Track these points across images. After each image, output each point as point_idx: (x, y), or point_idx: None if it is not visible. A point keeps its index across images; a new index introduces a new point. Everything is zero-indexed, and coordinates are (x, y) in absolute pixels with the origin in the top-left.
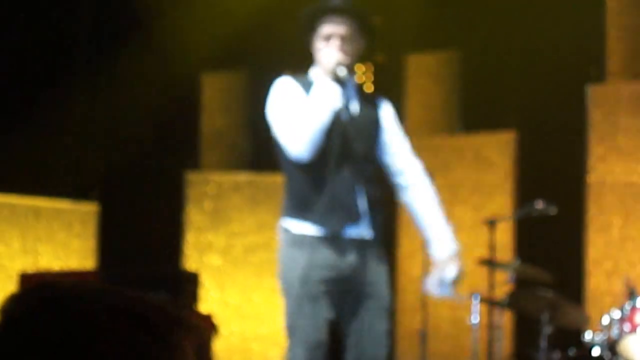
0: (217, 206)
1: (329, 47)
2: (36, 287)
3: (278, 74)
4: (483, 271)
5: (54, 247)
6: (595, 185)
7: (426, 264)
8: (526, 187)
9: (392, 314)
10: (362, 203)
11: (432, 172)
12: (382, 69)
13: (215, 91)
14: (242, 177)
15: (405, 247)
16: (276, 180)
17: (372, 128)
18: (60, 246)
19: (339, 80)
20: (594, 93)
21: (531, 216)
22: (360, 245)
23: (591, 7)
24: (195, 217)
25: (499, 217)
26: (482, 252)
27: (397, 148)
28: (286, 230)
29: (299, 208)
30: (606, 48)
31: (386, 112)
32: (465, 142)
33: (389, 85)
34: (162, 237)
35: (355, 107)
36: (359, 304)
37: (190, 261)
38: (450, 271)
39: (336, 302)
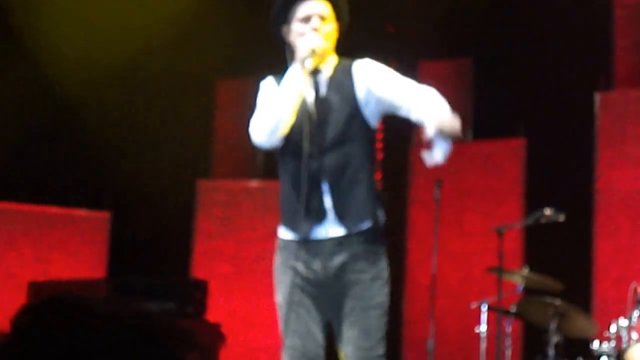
0: (228, 213)
1: (310, 29)
2: (46, 300)
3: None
4: (492, 279)
5: (65, 256)
6: (603, 191)
7: (435, 273)
8: (535, 194)
9: (384, 311)
10: (327, 199)
11: (443, 178)
12: None
13: (229, 98)
14: (253, 184)
15: (414, 255)
16: (278, 187)
17: (343, 109)
18: (71, 254)
19: (307, 69)
20: (602, 100)
21: (540, 223)
22: (331, 244)
23: (600, 16)
24: (205, 225)
25: (507, 225)
26: (491, 259)
27: (397, 100)
28: (277, 236)
29: (282, 212)
30: (614, 56)
31: (361, 75)
32: (475, 148)
33: None
34: (172, 245)
35: (324, 93)
36: (341, 305)
37: (200, 269)
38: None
39: (322, 306)
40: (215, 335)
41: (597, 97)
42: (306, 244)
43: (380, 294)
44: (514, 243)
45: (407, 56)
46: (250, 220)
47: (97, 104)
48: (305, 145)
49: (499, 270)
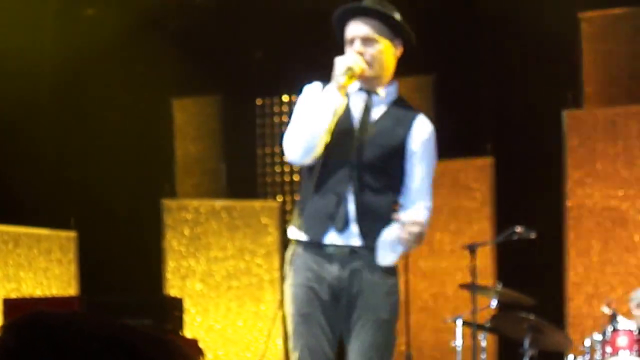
0: (196, 232)
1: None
2: (29, 316)
3: (252, 98)
4: (465, 295)
5: (35, 274)
6: (574, 209)
7: (407, 291)
8: (505, 213)
9: (395, 328)
10: (352, 210)
11: None
12: None
13: (187, 117)
14: (219, 203)
15: None
16: (253, 206)
17: (389, 140)
18: (41, 272)
19: (343, 87)
20: (570, 118)
21: (511, 241)
22: (346, 253)
23: (566, 33)
24: (174, 244)
25: (479, 242)
26: (464, 276)
27: (408, 180)
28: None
29: (297, 213)
30: (582, 74)
31: (417, 132)
32: (443, 168)
33: None
34: (141, 264)
35: (378, 115)
36: (350, 315)
37: (172, 287)
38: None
39: (334, 321)
40: (195, 350)
41: (565, 116)
42: (318, 247)
43: (394, 310)
44: (485, 261)
45: None
46: (219, 239)
47: (61, 124)
48: (349, 159)
49: (473, 286)
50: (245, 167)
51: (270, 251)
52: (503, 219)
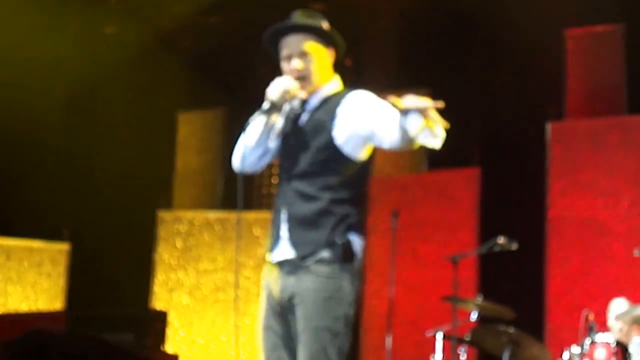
0: (188, 244)
1: (290, 70)
2: (29, 334)
3: (254, 112)
4: (447, 307)
5: (24, 288)
6: (555, 220)
7: (392, 303)
8: (489, 223)
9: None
10: (284, 223)
11: (399, 208)
12: None
13: (190, 131)
14: (213, 215)
15: (370, 285)
16: (247, 218)
17: (317, 140)
18: (29, 286)
19: (276, 105)
20: (554, 130)
21: (494, 251)
22: (285, 266)
23: (551, 48)
24: (165, 256)
25: (462, 254)
26: (447, 288)
27: (381, 134)
28: None
29: None
30: (566, 87)
31: (344, 107)
32: (430, 179)
33: None
34: (132, 276)
35: (303, 123)
36: (292, 326)
37: (160, 300)
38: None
39: (286, 326)
40: None
41: (549, 127)
42: (273, 265)
43: (334, 316)
44: (468, 271)
45: (364, 88)
46: (210, 251)
47: (57, 136)
48: (288, 172)
49: (454, 299)
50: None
51: (260, 264)
52: (488, 229)
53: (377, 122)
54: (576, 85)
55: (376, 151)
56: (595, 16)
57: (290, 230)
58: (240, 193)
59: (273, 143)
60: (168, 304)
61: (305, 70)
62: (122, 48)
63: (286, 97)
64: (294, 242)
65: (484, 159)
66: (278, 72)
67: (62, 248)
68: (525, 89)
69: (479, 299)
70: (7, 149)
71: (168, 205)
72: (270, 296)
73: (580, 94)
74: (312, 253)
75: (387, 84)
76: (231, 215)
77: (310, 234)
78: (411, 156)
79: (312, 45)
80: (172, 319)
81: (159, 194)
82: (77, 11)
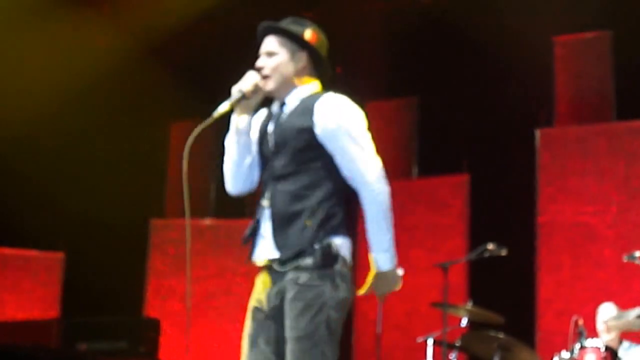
0: (180, 252)
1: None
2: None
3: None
4: (437, 313)
5: (19, 296)
6: (545, 225)
7: (381, 308)
8: (479, 229)
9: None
10: (267, 221)
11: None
12: None
13: (183, 139)
14: (205, 222)
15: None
16: (239, 225)
17: (297, 140)
18: (25, 295)
19: (220, 113)
20: (543, 136)
21: (483, 257)
22: (268, 268)
23: (540, 55)
24: (158, 263)
25: (452, 260)
26: (437, 294)
27: (337, 156)
28: None
29: None
30: (555, 94)
31: (320, 114)
32: (420, 185)
33: None
34: (126, 284)
35: (282, 124)
36: (275, 331)
37: (153, 307)
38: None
39: (271, 331)
40: None
41: (538, 134)
42: (256, 266)
43: (313, 326)
44: (458, 277)
45: (354, 96)
46: (202, 258)
47: (50, 146)
48: (269, 175)
49: (444, 305)
50: None
51: (252, 269)
52: (478, 235)
53: (342, 152)
54: (564, 91)
55: None
56: (583, 23)
57: (274, 229)
58: (187, 201)
59: (253, 147)
60: (161, 311)
61: (267, 68)
62: (114, 58)
63: (255, 90)
64: (277, 243)
65: (473, 165)
66: None
67: (56, 257)
68: (513, 95)
69: (469, 305)
70: (0, 159)
71: (160, 213)
72: (258, 306)
73: (569, 100)
74: (294, 257)
75: (376, 92)
76: (223, 223)
77: (293, 234)
78: (400, 162)
79: (279, 46)
80: (165, 326)
81: (151, 202)
82: (68, 22)
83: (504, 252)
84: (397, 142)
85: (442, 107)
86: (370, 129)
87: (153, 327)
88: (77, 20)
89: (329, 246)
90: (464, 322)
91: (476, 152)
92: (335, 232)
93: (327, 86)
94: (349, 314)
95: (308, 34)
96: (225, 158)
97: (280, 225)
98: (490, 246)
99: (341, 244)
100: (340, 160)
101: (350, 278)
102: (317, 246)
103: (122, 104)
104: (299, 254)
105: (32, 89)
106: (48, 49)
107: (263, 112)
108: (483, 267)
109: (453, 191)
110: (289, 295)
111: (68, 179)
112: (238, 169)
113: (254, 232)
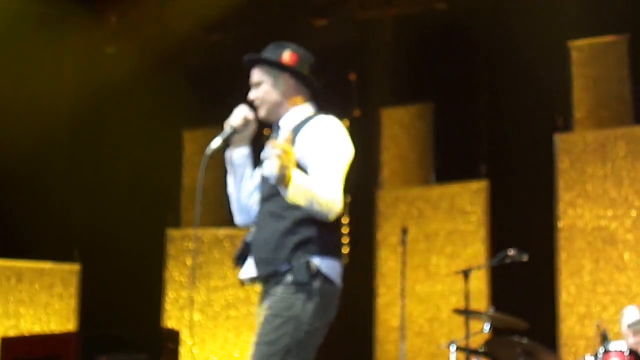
0: (198, 262)
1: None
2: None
3: (260, 129)
4: (460, 320)
5: (36, 310)
6: (565, 230)
7: (403, 315)
8: (499, 235)
9: (280, 351)
10: (251, 241)
11: (409, 223)
12: (358, 124)
13: (197, 148)
14: (222, 232)
15: (383, 297)
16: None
17: None
18: (41, 308)
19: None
20: (561, 142)
21: (505, 264)
22: (256, 285)
23: (557, 59)
24: (176, 274)
25: (473, 266)
26: (459, 300)
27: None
28: None
29: None
30: (572, 98)
31: (303, 136)
32: (439, 192)
33: (365, 139)
34: (144, 295)
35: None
36: None
37: (171, 318)
38: None
39: None
40: None
41: (557, 139)
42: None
43: (276, 332)
44: (480, 284)
45: (369, 103)
46: (220, 268)
47: (64, 158)
48: (261, 198)
49: (466, 311)
50: None
51: None
52: (498, 241)
53: (312, 165)
54: (582, 96)
55: (384, 165)
56: (600, 27)
57: (255, 248)
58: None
59: (255, 179)
60: (180, 322)
61: (258, 99)
62: (125, 68)
63: (245, 123)
64: (257, 261)
65: (492, 171)
66: None
67: (72, 269)
68: (531, 101)
69: (492, 311)
70: (15, 172)
71: (177, 223)
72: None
73: (587, 105)
74: (273, 274)
75: (392, 99)
76: (239, 232)
77: (272, 253)
78: (418, 169)
79: (263, 76)
80: (184, 337)
81: (168, 212)
82: (77, 32)
83: (525, 259)
84: (414, 149)
85: (459, 114)
86: (387, 136)
87: (173, 338)
88: (85, 30)
89: (307, 263)
90: (487, 328)
91: (495, 158)
92: (318, 253)
93: (320, 99)
94: (369, 322)
95: (286, 56)
96: (229, 191)
97: (259, 245)
98: (512, 252)
99: (323, 264)
100: (309, 170)
101: (335, 298)
102: (295, 263)
103: (134, 113)
104: (276, 273)
105: (46, 100)
106: (59, 59)
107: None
108: (504, 273)
109: (472, 198)
110: (264, 306)
111: (82, 190)
112: (239, 203)
113: (245, 254)
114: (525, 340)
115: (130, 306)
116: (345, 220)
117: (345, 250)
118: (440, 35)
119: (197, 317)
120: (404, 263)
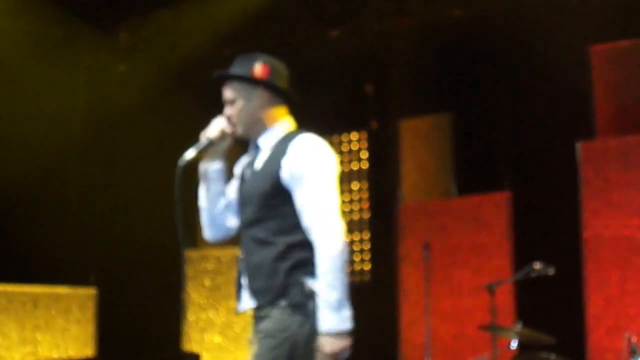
0: (217, 283)
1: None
2: None
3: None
4: (485, 335)
5: (53, 335)
6: (591, 240)
7: (428, 333)
8: (523, 247)
9: None
10: (244, 272)
11: (431, 236)
12: (376, 136)
13: None
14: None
15: (407, 315)
16: None
17: (264, 186)
18: (58, 334)
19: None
20: (584, 149)
21: (530, 277)
22: (252, 316)
23: (577, 65)
24: (194, 295)
25: (498, 281)
26: (484, 315)
27: (299, 204)
28: None
29: None
30: (594, 105)
31: (288, 158)
32: (461, 204)
33: (384, 151)
34: (162, 318)
35: (255, 168)
36: None
37: (191, 341)
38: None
39: None
40: None
41: (579, 147)
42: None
43: (270, 353)
44: (505, 298)
45: (387, 115)
46: None
47: (77, 180)
48: (242, 222)
49: (493, 327)
50: None
51: None
52: (522, 253)
53: (300, 196)
54: (603, 102)
55: (403, 178)
56: (620, 31)
57: (250, 278)
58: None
59: (231, 194)
60: (200, 345)
61: (232, 115)
62: (136, 85)
63: (222, 136)
64: (253, 291)
65: (514, 182)
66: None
67: (89, 293)
68: (552, 108)
69: (519, 326)
70: (28, 195)
71: (194, 243)
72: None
73: (609, 111)
74: (270, 302)
75: (410, 109)
76: None
77: (267, 281)
78: (439, 181)
79: (234, 92)
80: (205, 359)
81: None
82: (88, 50)
83: (551, 272)
84: (434, 160)
85: (478, 123)
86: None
87: None
88: (95, 48)
89: (301, 285)
90: (514, 344)
91: (516, 169)
92: (311, 274)
93: (297, 110)
94: (393, 340)
95: (257, 69)
96: (200, 205)
97: (252, 275)
98: (537, 265)
99: (316, 284)
100: (299, 209)
101: None
102: (290, 286)
103: (147, 131)
104: (273, 301)
105: (57, 120)
106: (70, 78)
107: (244, 159)
108: (529, 286)
109: (495, 209)
110: (259, 330)
111: (96, 212)
112: (209, 217)
113: (239, 285)
114: (553, 356)
115: (149, 329)
116: (366, 236)
117: (367, 267)
118: (457, 43)
119: (217, 339)
120: (427, 279)
